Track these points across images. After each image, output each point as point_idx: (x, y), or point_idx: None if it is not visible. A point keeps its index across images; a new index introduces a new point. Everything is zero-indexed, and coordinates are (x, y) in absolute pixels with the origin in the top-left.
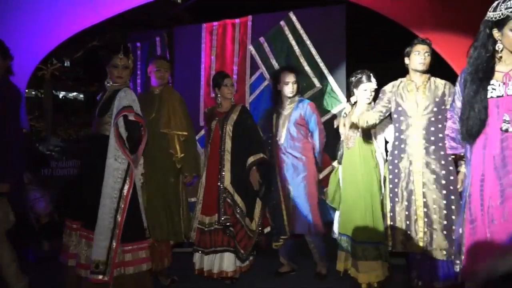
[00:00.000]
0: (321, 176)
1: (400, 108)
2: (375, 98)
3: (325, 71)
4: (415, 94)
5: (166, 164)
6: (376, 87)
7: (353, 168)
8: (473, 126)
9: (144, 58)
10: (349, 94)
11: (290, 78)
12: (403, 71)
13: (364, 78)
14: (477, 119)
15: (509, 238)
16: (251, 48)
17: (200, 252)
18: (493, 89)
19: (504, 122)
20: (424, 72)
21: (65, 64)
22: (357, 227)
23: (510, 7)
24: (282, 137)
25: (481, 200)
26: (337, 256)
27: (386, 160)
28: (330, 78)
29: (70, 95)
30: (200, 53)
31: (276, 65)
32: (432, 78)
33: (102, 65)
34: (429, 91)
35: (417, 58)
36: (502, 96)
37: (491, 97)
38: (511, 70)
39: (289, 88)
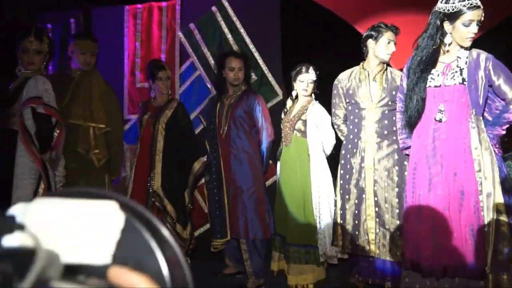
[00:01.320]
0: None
1: (353, 100)
2: (318, 92)
3: (260, 61)
4: (370, 84)
5: (80, 164)
6: (315, 78)
7: (290, 166)
8: (411, 116)
9: (56, 42)
10: (286, 86)
11: (236, 64)
12: (343, 62)
13: (302, 69)
14: (415, 109)
15: (434, 225)
16: (180, 34)
17: None
18: (432, 78)
19: (439, 112)
20: (384, 62)
21: None
22: (289, 227)
23: (464, 0)
24: (225, 129)
25: (412, 188)
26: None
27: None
28: (266, 69)
29: None
30: (122, 38)
31: (208, 54)
32: (389, 68)
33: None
34: (386, 82)
35: (387, 47)
36: (440, 86)
37: (429, 86)
38: (453, 61)
39: (233, 75)
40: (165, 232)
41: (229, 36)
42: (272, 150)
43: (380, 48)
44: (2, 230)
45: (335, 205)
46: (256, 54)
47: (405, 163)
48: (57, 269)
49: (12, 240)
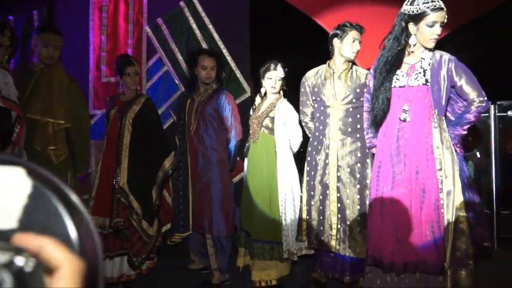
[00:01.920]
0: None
1: (318, 98)
2: (284, 89)
3: (228, 58)
4: (335, 82)
5: (39, 160)
6: (283, 75)
7: (257, 162)
8: (377, 115)
9: (18, 35)
10: (255, 83)
11: (209, 63)
12: (313, 59)
13: (271, 67)
14: (381, 108)
15: (396, 222)
16: (147, 29)
17: None
18: (397, 79)
19: (403, 111)
20: (350, 60)
21: None
22: (254, 223)
23: (427, 2)
24: (194, 126)
25: (376, 186)
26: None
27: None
28: (234, 66)
29: None
30: (88, 31)
31: (176, 50)
32: (354, 67)
33: None
34: (351, 80)
35: (351, 45)
36: (404, 86)
37: (394, 86)
38: (417, 62)
39: (205, 73)
40: (75, 198)
41: (197, 32)
42: (239, 147)
43: (345, 46)
44: None
45: (301, 201)
46: (225, 51)
47: (367, 160)
48: None
49: None
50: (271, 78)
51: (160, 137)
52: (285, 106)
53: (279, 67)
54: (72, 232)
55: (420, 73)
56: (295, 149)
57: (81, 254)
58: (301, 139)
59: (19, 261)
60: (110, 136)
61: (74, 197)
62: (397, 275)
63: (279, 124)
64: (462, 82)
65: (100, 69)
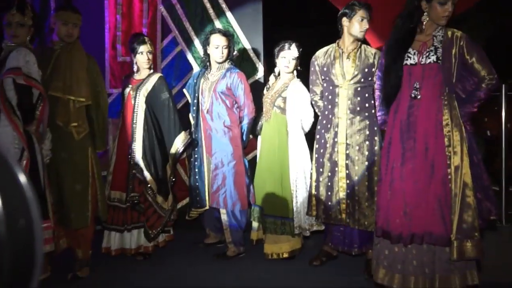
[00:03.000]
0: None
1: (327, 77)
2: (298, 69)
3: (242, 37)
4: (343, 62)
5: (60, 136)
6: (297, 55)
7: (269, 141)
8: (389, 93)
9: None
10: (268, 63)
11: (220, 42)
12: (327, 39)
13: (285, 46)
14: (392, 86)
15: (405, 196)
16: (162, 8)
17: (112, 230)
18: (408, 57)
19: (414, 89)
20: (359, 39)
21: None
22: (267, 199)
23: None
24: (207, 104)
25: (386, 161)
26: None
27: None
28: (247, 45)
29: None
30: (103, 11)
31: (190, 29)
32: (363, 46)
33: None
34: (359, 60)
35: (360, 25)
36: (416, 64)
37: (406, 64)
38: (428, 40)
39: (218, 52)
40: (5, 154)
41: (211, 11)
42: (252, 125)
43: (354, 25)
44: None
45: (311, 178)
46: (238, 30)
47: (376, 138)
48: None
49: None
50: (285, 58)
51: (173, 116)
52: (297, 86)
53: (293, 46)
54: None
55: (431, 50)
56: (307, 129)
57: (6, 226)
58: (312, 119)
59: None
60: (126, 114)
61: (9, 161)
62: (404, 246)
63: (291, 104)
64: (473, 60)
65: (116, 48)
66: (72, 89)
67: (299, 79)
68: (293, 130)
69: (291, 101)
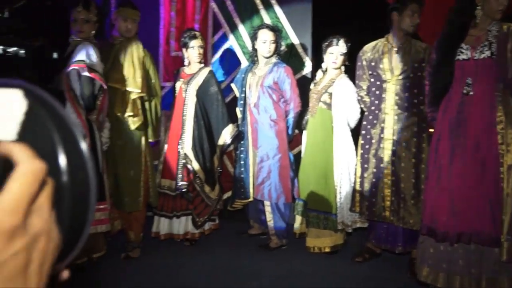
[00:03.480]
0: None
1: (375, 72)
2: (347, 64)
3: (290, 32)
4: (392, 56)
5: (117, 125)
6: (345, 51)
7: (314, 136)
8: (439, 89)
9: None
10: (316, 58)
11: (268, 37)
12: (376, 34)
13: (333, 42)
14: (443, 82)
15: (453, 193)
16: (213, 5)
17: (162, 216)
18: (461, 52)
19: (467, 85)
20: (409, 33)
21: (4, 16)
22: (311, 194)
23: None
24: (254, 98)
25: (434, 159)
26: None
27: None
28: (295, 40)
29: (9, 50)
30: (158, 8)
31: (239, 24)
32: (413, 41)
33: (48, 17)
34: (409, 55)
35: (411, 19)
36: (468, 59)
37: (458, 59)
38: (482, 34)
39: (265, 47)
40: (68, 119)
41: (260, 7)
42: (298, 119)
43: (405, 19)
44: None
45: (355, 174)
46: (287, 25)
47: (424, 135)
48: None
49: None
50: (332, 53)
51: (221, 108)
52: (344, 82)
53: (341, 42)
54: (61, 154)
55: (485, 45)
56: (353, 125)
57: (69, 177)
58: (359, 115)
59: None
60: (177, 107)
61: (73, 126)
62: (450, 245)
63: (337, 100)
64: None
65: (169, 43)
66: (129, 81)
67: (346, 75)
68: (338, 125)
69: (337, 97)
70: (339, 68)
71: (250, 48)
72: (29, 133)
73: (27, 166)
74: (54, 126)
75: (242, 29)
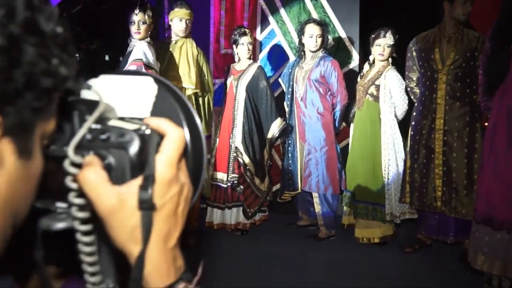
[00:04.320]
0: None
1: (426, 63)
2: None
3: (338, 27)
4: (444, 46)
5: None
6: (392, 43)
7: (361, 128)
8: (495, 78)
9: None
10: (364, 51)
11: (314, 31)
12: (423, 24)
13: (380, 34)
14: (499, 71)
15: (510, 180)
16: (261, 2)
17: (215, 207)
18: None
19: None
20: (461, 22)
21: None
22: (359, 185)
23: None
24: (302, 92)
25: (490, 147)
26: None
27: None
28: (343, 34)
29: None
30: (209, 7)
31: (287, 20)
32: (465, 30)
33: (103, 21)
34: (461, 44)
35: (462, 7)
36: None
37: None
38: None
39: (312, 41)
40: (186, 100)
41: (308, 2)
42: (345, 111)
43: (456, 8)
44: (81, 88)
45: (405, 165)
46: (334, 20)
47: (477, 125)
48: (114, 115)
49: (85, 94)
50: (379, 45)
51: (270, 103)
52: (391, 74)
53: (388, 34)
54: (185, 128)
55: None
56: (400, 117)
57: (191, 144)
58: (406, 107)
59: (143, 127)
60: (228, 102)
61: (186, 100)
62: (508, 233)
63: (384, 92)
64: None
65: (219, 41)
66: (185, 78)
67: (394, 67)
68: (385, 117)
69: (384, 89)
70: (387, 60)
71: (297, 43)
72: (159, 112)
73: (176, 133)
74: (178, 106)
75: (289, 24)
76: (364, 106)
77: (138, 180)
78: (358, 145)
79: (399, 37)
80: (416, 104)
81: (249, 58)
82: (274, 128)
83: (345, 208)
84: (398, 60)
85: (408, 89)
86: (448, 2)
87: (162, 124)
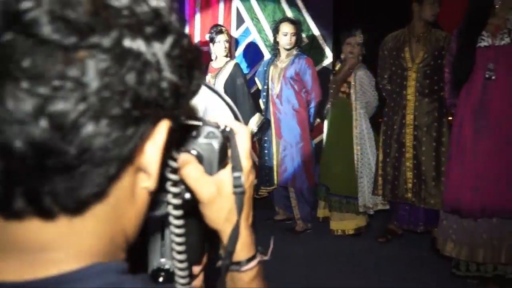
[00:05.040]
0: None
1: (396, 61)
2: (364, 55)
3: (312, 25)
4: (414, 45)
5: None
6: (362, 41)
7: (335, 125)
8: (461, 75)
9: None
10: (335, 49)
11: (289, 29)
12: (394, 24)
13: (350, 33)
14: (465, 69)
15: (477, 171)
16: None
17: None
18: (481, 39)
19: (488, 70)
20: (429, 23)
21: None
22: (332, 179)
23: None
24: (277, 90)
25: (457, 141)
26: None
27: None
28: (316, 32)
29: None
30: (183, 5)
31: (262, 18)
32: (433, 30)
33: None
34: (429, 44)
35: (431, 8)
36: (489, 46)
37: (479, 47)
38: (502, 22)
39: (286, 39)
40: (230, 102)
41: (282, 1)
42: (319, 108)
43: (425, 9)
44: None
45: (377, 159)
46: (308, 18)
47: (444, 120)
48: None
49: None
50: (350, 44)
51: (247, 99)
52: (362, 72)
53: (358, 33)
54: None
55: (505, 33)
56: (371, 113)
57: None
58: (377, 103)
59: (224, 126)
60: None
61: (227, 99)
62: (474, 220)
63: (356, 89)
64: None
65: (194, 39)
66: None
67: (364, 65)
68: (357, 113)
69: (356, 86)
70: (357, 58)
71: (272, 41)
72: (213, 112)
73: (245, 130)
74: (228, 107)
75: (264, 22)
76: (338, 103)
77: (227, 170)
78: (332, 141)
79: (371, 36)
80: (387, 101)
81: (226, 56)
82: (252, 124)
83: (319, 201)
84: (368, 58)
85: (381, 86)
86: (417, 3)
87: (231, 123)
